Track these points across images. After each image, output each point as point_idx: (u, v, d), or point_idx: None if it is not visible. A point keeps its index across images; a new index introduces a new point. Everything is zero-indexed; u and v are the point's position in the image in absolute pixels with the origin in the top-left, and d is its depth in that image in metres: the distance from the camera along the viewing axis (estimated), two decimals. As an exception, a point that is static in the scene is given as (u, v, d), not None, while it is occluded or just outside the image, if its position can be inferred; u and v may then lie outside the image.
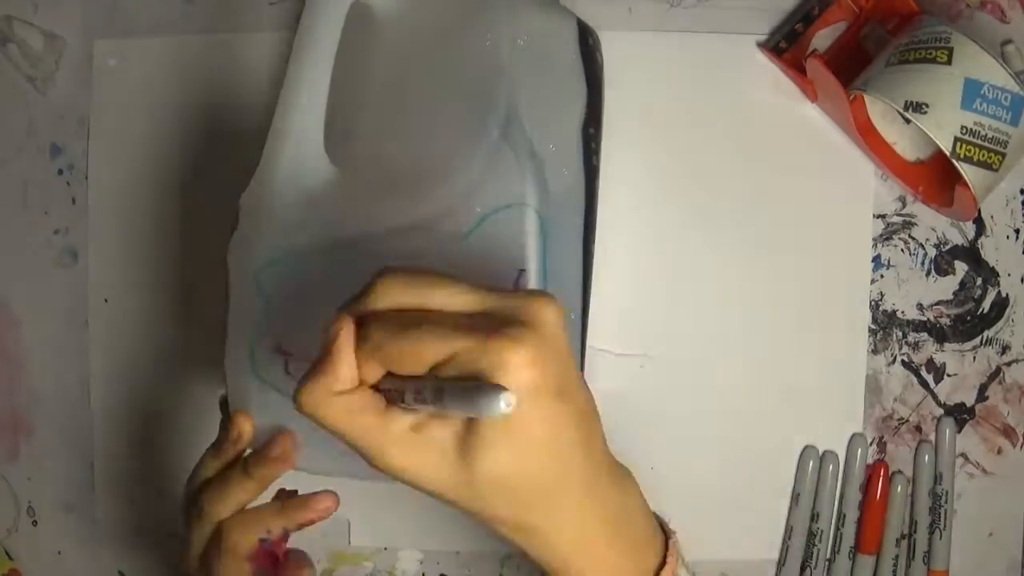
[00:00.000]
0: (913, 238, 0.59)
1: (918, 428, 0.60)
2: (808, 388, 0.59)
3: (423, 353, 0.34)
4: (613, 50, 0.53)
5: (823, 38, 0.58)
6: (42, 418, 0.62)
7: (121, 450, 0.62)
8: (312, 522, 0.47)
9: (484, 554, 0.61)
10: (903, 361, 0.60)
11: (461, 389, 0.33)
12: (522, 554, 0.38)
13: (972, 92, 0.50)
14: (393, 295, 0.36)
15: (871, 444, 0.60)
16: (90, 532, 0.62)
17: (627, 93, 0.57)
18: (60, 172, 0.61)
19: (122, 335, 0.61)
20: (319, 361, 0.36)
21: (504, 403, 0.31)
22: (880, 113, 0.57)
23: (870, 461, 0.60)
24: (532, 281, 0.46)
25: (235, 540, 0.45)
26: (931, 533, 0.59)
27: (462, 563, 0.61)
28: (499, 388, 0.31)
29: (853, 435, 0.59)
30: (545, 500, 0.36)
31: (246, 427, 0.47)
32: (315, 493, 0.47)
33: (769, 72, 0.59)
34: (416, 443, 0.35)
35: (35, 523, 0.63)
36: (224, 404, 0.49)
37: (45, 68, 0.61)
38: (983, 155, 0.50)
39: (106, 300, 0.61)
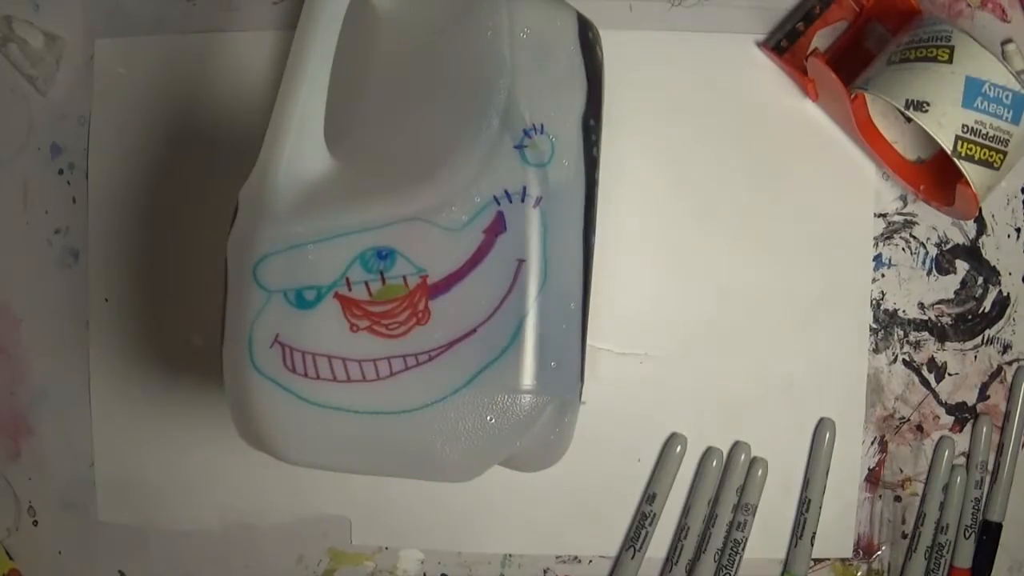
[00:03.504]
0: (914, 237, 0.59)
1: (919, 427, 0.60)
2: (809, 387, 0.59)
3: None
4: (613, 49, 0.53)
5: (824, 37, 0.58)
6: (42, 418, 0.62)
7: (121, 450, 0.62)
8: None
9: (485, 554, 0.61)
10: (904, 360, 0.60)
11: None
12: None
13: (973, 91, 0.50)
14: None
15: (872, 443, 0.60)
16: (90, 532, 0.62)
17: (627, 92, 0.57)
18: (60, 172, 0.61)
19: (122, 335, 0.61)
20: None
21: None
22: (881, 112, 0.57)
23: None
24: (532, 271, 0.46)
25: None
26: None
27: (463, 563, 0.61)
28: None
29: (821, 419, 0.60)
30: None
31: None
32: None
33: (770, 71, 0.59)
34: None
35: (35, 523, 0.63)
36: None
37: (45, 68, 0.61)
38: (984, 153, 0.50)
39: (106, 300, 0.61)
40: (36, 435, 0.62)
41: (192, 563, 0.62)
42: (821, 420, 0.60)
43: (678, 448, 0.59)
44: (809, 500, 0.59)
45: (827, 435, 0.59)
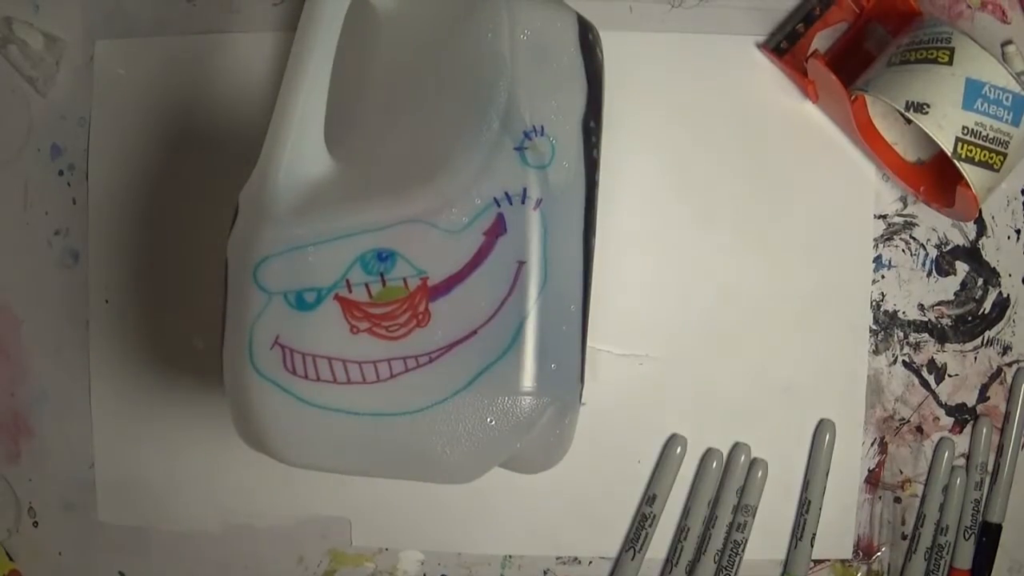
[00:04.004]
0: (914, 238, 0.59)
1: (919, 429, 0.60)
2: (809, 388, 0.59)
3: None
4: (614, 50, 0.53)
5: (824, 38, 0.58)
6: (42, 418, 0.62)
7: (121, 450, 0.62)
8: None
9: (485, 555, 0.61)
10: (904, 361, 0.60)
11: None
12: None
13: (973, 92, 0.50)
14: None
15: (872, 444, 0.60)
16: (90, 532, 0.62)
17: (627, 93, 0.57)
18: (60, 172, 0.61)
19: (122, 335, 0.61)
20: None
21: None
22: (881, 113, 0.57)
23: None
24: (532, 273, 0.46)
25: None
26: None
27: (463, 564, 0.61)
28: None
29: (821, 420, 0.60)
30: None
31: None
32: None
33: (770, 72, 0.59)
34: None
35: (36, 524, 0.63)
36: None
37: (45, 69, 0.61)
38: (984, 155, 0.50)
39: (106, 300, 0.61)
40: (36, 435, 0.62)
41: (192, 564, 0.62)
42: (821, 421, 0.60)
43: (678, 449, 0.60)
44: (809, 501, 0.59)
45: (827, 436, 0.59)
